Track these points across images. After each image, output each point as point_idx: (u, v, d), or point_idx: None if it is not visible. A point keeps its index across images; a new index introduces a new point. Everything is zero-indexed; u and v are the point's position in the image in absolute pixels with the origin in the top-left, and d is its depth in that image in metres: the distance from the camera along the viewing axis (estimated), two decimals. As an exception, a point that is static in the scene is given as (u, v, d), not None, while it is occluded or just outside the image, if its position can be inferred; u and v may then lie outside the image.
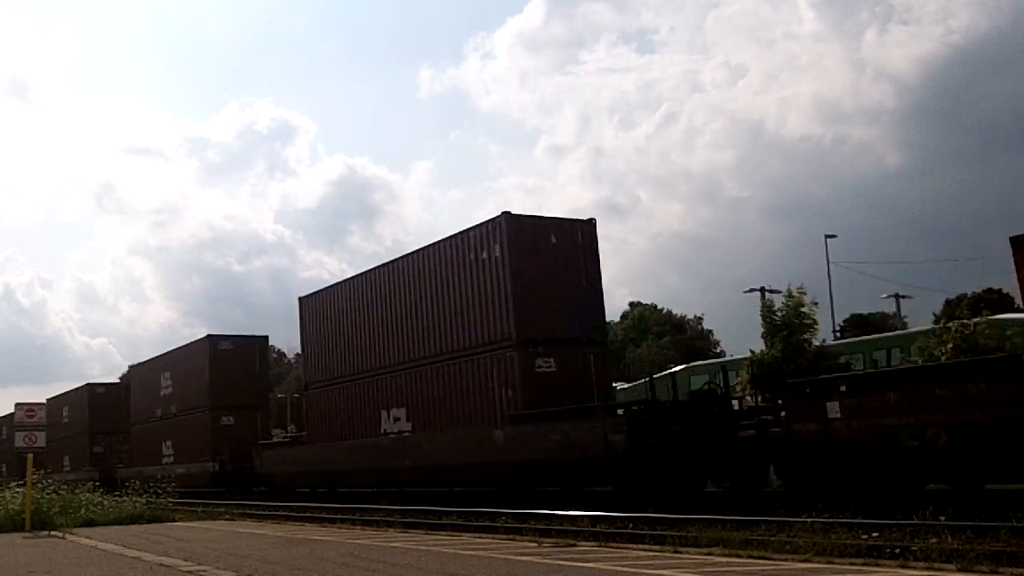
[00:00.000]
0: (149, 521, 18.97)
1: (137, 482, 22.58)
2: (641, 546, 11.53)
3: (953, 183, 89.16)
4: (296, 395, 45.00)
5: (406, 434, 24.10)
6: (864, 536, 11.07)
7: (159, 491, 21.47)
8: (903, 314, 45.39)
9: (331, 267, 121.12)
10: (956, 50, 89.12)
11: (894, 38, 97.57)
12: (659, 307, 73.63)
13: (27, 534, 16.81)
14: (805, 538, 10.93)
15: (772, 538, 11.43)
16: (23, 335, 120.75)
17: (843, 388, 14.78)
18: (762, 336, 20.52)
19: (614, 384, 27.50)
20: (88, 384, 48.47)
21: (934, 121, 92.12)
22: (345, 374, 27.56)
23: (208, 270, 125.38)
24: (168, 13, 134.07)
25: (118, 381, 53.80)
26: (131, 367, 43.20)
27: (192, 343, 37.82)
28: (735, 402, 18.93)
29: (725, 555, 9.88)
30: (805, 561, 9.10)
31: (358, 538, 13.50)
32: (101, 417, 45.20)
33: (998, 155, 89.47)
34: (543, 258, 21.14)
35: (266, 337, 38.62)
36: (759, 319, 20.79)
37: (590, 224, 22.31)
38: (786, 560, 9.21)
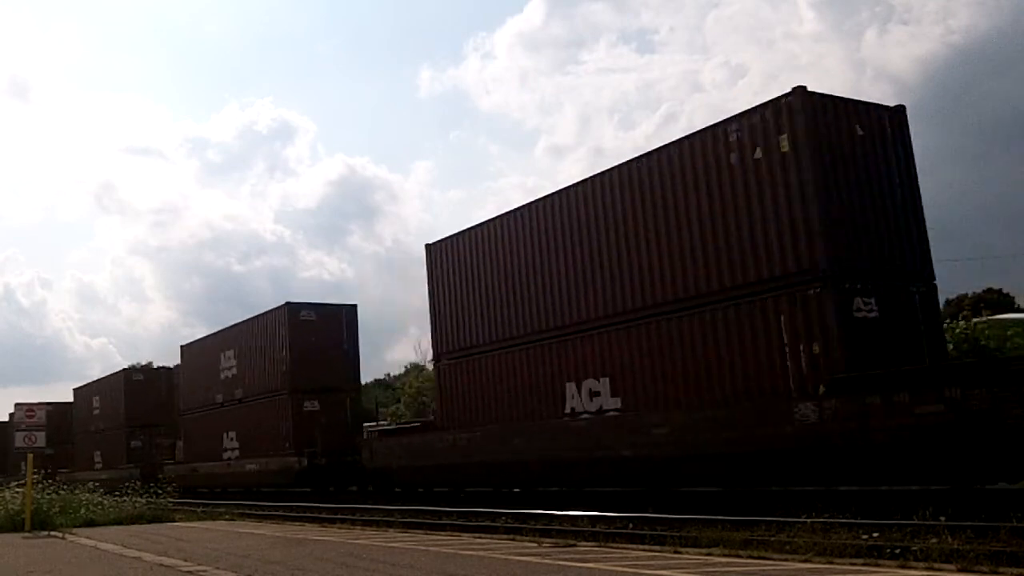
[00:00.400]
0: (149, 521, 18.97)
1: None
2: (641, 546, 11.53)
3: (953, 183, 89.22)
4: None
5: (612, 413, 18.33)
6: (864, 536, 11.08)
7: (159, 491, 21.53)
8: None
9: (331, 267, 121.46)
10: (956, 50, 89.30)
11: (894, 38, 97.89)
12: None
13: (27, 534, 16.82)
14: (805, 538, 10.96)
15: (772, 538, 11.45)
16: (23, 335, 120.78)
17: None
18: None
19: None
20: (125, 370, 43.31)
21: (934, 121, 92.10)
22: (503, 338, 21.65)
23: (208, 270, 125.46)
24: (168, 13, 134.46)
25: (156, 367, 47.05)
26: (183, 347, 37.42)
27: (266, 312, 31.21)
28: None
29: (725, 555, 9.87)
30: (805, 561, 9.09)
31: (358, 538, 13.49)
32: (139, 408, 40.39)
33: (998, 155, 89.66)
34: (849, 158, 15.59)
35: (355, 306, 31.17)
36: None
37: (899, 112, 16.43)
38: (786, 560, 9.20)
